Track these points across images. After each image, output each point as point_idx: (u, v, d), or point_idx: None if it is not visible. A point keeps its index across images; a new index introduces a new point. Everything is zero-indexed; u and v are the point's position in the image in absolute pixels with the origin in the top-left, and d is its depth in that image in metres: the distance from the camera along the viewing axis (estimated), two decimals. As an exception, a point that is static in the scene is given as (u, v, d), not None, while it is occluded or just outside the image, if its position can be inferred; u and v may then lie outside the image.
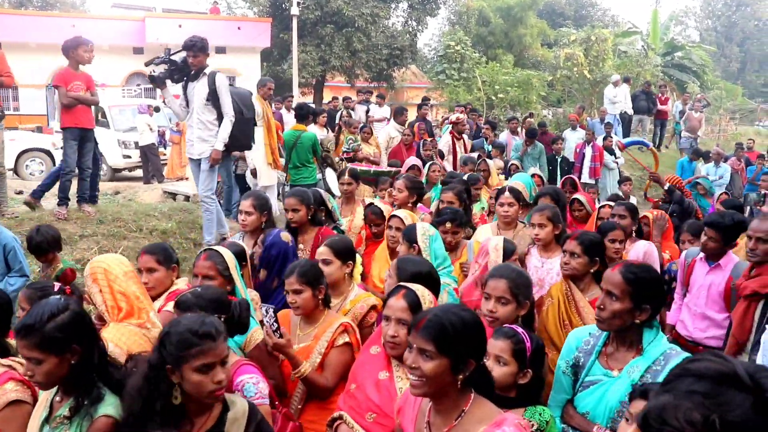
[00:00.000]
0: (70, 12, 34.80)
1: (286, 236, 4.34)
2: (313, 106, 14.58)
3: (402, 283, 2.83)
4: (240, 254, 3.76)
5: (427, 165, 7.59)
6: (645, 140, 15.45)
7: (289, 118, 11.18)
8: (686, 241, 5.33)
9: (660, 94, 18.20)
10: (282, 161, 8.62)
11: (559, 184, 7.63)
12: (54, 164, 12.89)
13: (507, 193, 4.86)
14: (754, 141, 18.05)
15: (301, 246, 4.60)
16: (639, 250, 4.74)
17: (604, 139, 12.87)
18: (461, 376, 2.02)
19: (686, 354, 2.35)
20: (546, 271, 4.24)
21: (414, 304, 2.66)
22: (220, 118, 6.73)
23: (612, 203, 5.68)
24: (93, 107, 7.55)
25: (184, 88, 6.80)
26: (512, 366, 2.60)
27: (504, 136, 13.01)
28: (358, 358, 3.02)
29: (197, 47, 6.61)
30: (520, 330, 2.67)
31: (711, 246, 4.27)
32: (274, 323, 3.00)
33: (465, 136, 10.36)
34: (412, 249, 3.90)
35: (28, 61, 22.25)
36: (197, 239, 7.60)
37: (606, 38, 23.15)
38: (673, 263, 5.05)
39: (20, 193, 10.81)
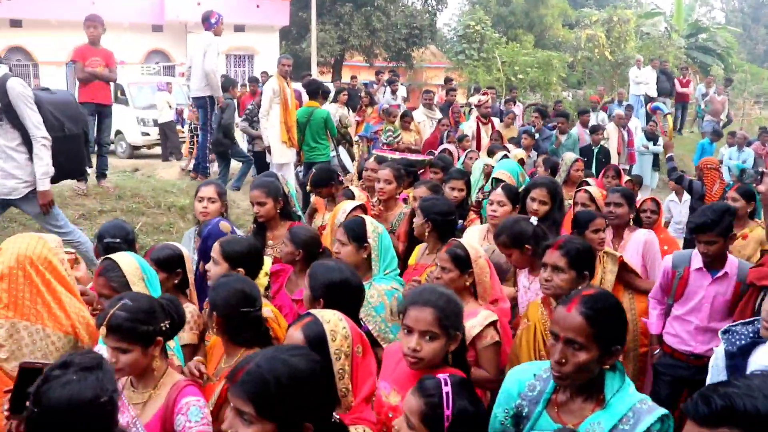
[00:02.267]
0: (90, -11, 34.85)
1: (225, 226, 3.84)
2: (329, 84, 14.48)
3: (312, 311, 2.30)
4: (172, 261, 3.22)
5: (465, 152, 7.23)
6: (663, 107, 14.61)
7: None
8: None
9: (681, 77, 17.92)
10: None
11: (599, 175, 7.02)
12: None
13: (499, 190, 4.29)
14: None
15: (270, 243, 4.20)
16: (639, 240, 4.40)
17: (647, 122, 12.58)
18: None
19: (661, 410, 1.91)
20: (534, 293, 3.48)
21: (315, 339, 2.08)
22: (27, 141, 4.96)
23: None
24: (111, 84, 7.59)
25: None
26: None
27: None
28: None
29: None
30: (445, 388, 1.95)
31: (712, 251, 3.62)
32: None
33: (495, 120, 9.82)
34: (363, 249, 3.42)
35: (48, 39, 22.43)
36: (214, 216, 7.65)
37: (628, 19, 22.76)
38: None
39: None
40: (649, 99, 16.77)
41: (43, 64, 23.20)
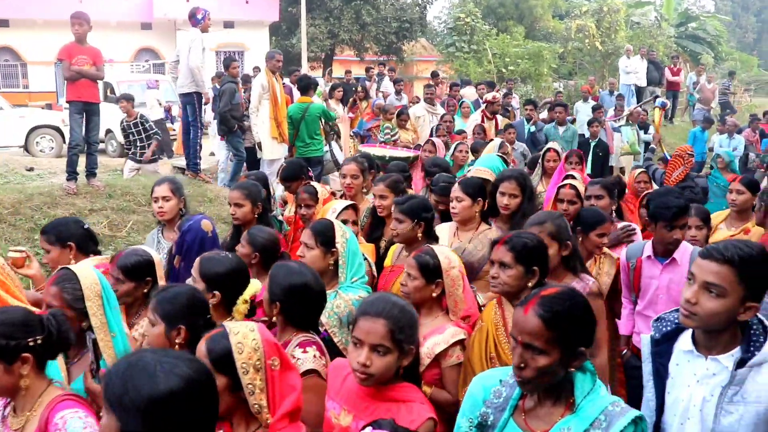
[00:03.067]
0: (77, -12, 34.61)
1: (206, 225, 3.73)
2: (320, 79, 14.42)
3: (224, 322, 2.13)
4: (140, 268, 3.02)
5: (453, 144, 6.91)
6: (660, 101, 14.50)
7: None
8: (693, 227, 4.13)
9: (672, 65, 17.95)
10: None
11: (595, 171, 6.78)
12: (64, 141, 12.92)
13: (456, 186, 4.00)
14: None
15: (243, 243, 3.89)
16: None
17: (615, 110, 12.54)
18: None
19: (634, 412, 1.85)
20: None
21: (220, 353, 1.97)
22: None
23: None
24: (101, 82, 7.54)
25: None
26: None
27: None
28: None
29: None
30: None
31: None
32: (93, 362, 2.34)
33: (499, 117, 9.52)
34: (330, 254, 3.21)
35: (36, 38, 22.27)
36: (206, 212, 7.61)
37: (618, 9, 22.79)
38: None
39: (31, 170, 10.87)
40: (638, 88, 16.82)
41: (32, 63, 23.04)
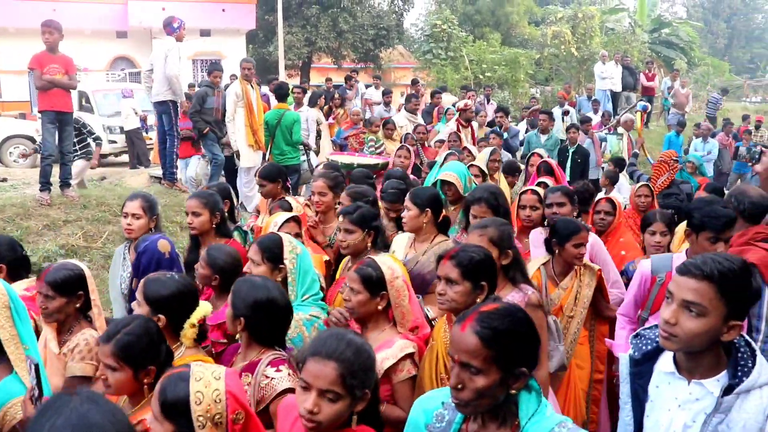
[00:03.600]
0: (51, -4, 34.23)
1: (164, 245, 3.50)
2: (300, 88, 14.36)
3: (191, 363, 1.98)
4: (70, 283, 2.87)
5: (444, 155, 6.40)
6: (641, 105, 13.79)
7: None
8: (659, 232, 4.19)
9: (647, 71, 18.18)
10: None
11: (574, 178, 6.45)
12: (37, 151, 12.74)
13: (407, 196, 3.85)
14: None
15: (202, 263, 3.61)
16: None
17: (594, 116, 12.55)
18: None
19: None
20: None
21: (174, 401, 1.83)
22: None
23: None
24: (73, 91, 7.43)
25: None
26: None
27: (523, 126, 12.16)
28: None
29: None
30: None
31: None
32: (35, 388, 2.12)
33: (475, 124, 9.45)
34: (278, 271, 3.07)
35: (8, 47, 21.91)
36: (183, 222, 7.52)
37: (593, 15, 23.08)
38: (632, 263, 4.17)
39: (4, 180, 10.69)
40: (614, 94, 17.00)
41: (4, 73, 22.66)
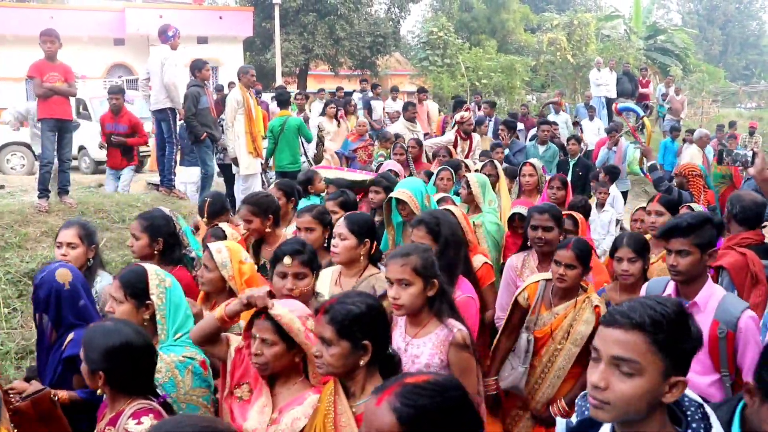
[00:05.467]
0: (48, 3, 34.29)
1: (62, 275, 3.04)
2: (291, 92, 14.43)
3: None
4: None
5: (437, 172, 6.09)
6: (638, 110, 13.92)
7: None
8: (626, 259, 3.63)
9: (641, 77, 18.28)
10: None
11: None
12: (35, 158, 12.77)
13: (340, 222, 3.43)
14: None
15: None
16: None
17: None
18: None
19: None
20: (411, 358, 2.69)
21: None
22: None
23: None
24: (72, 99, 7.48)
25: None
26: None
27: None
28: None
29: None
30: None
31: (683, 265, 2.83)
32: None
33: (476, 136, 8.94)
34: (144, 308, 2.77)
35: (5, 54, 21.95)
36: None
37: (588, 23, 23.22)
38: (603, 290, 3.77)
39: (1, 187, 10.71)
40: (609, 100, 17.10)
41: (1, 80, 22.67)
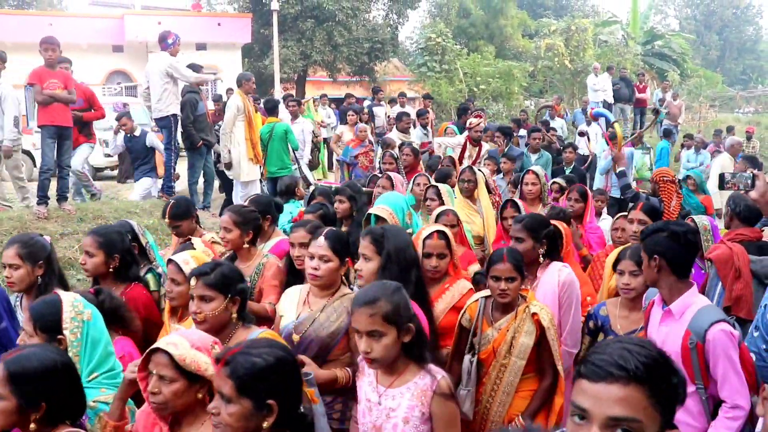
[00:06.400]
0: (47, 10, 34.38)
1: None
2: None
3: None
4: None
5: (413, 178, 6.02)
6: (609, 115, 13.16)
7: (284, 115, 10.45)
8: (627, 272, 3.46)
9: (638, 83, 18.34)
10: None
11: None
12: (35, 165, 12.77)
13: (321, 241, 3.07)
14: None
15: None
16: (553, 281, 3.53)
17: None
18: None
19: None
20: (386, 412, 2.40)
21: None
22: None
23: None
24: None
25: None
26: None
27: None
28: None
29: None
30: None
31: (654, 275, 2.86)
32: None
33: (485, 145, 8.71)
34: (57, 343, 2.46)
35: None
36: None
37: (586, 28, 23.32)
38: (603, 305, 3.64)
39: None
40: (607, 105, 17.15)
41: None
